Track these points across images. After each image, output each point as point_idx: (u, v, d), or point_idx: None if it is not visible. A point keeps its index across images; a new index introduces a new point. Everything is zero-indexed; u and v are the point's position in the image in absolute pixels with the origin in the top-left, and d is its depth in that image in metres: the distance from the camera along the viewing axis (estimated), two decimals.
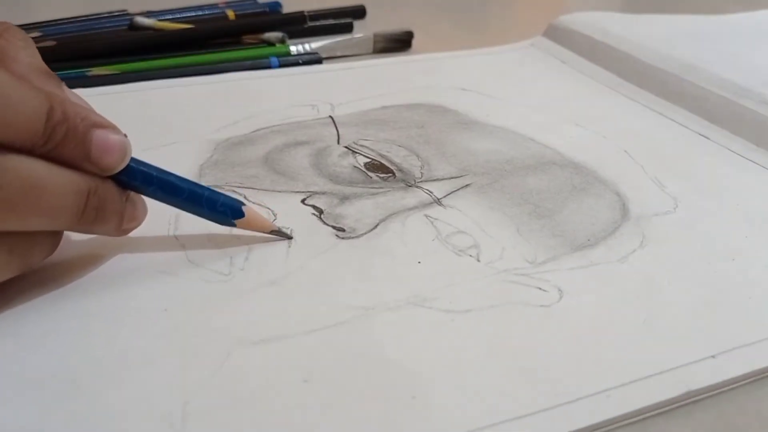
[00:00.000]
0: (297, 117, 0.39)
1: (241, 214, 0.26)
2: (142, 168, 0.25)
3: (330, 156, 0.35)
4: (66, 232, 0.25)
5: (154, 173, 0.25)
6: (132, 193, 0.25)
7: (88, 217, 0.23)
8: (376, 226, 0.29)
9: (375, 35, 0.52)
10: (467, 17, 0.65)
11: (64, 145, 0.22)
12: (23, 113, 0.21)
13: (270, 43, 0.51)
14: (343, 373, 0.22)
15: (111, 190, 0.24)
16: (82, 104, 0.24)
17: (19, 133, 0.21)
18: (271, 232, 0.27)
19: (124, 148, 0.24)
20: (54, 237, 0.24)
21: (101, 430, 0.19)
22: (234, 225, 0.27)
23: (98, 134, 0.23)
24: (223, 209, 0.26)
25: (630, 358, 0.23)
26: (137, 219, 0.26)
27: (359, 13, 0.59)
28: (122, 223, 0.25)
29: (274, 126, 0.38)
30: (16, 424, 0.19)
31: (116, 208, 0.24)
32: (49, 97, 0.21)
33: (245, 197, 0.31)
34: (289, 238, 0.28)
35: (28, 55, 0.24)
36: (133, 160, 0.24)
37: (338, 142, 0.36)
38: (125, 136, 0.24)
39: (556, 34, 0.53)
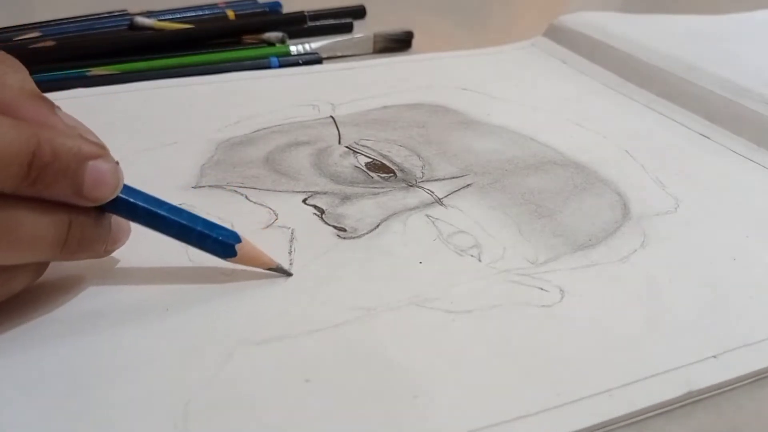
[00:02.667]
0: (298, 117, 0.39)
1: (233, 253, 0.25)
2: (128, 199, 0.23)
3: (331, 156, 0.35)
4: None
5: (141, 204, 0.23)
6: (114, 216, 0.24)
7: (71, 248, 0.22)
8: (377, 226, 0.29)
9: (375, 35, 0.52)
10: (467, 17, 0.65)
11: (53, 184, 0.21)
12: (5, 155, 0.19)
13: (270, 43, 0.51)
14: (345, 373, 0.22)
15: (91, 217, 0.23)
16: (76, 125, 0.23)
17: None
18: (270, 269, 0.26)
19: (117, 177, 0.22)
20: (38, 264, 0.23)
21: (103, 430, 0.19)
22: (227, 260, 0.25)
23: (91, 167, 0.21)
24: (213, 247, 0.24)
25: (631, 358, 0.23)
26: (120, 241, 0.24)
27: (359, 13, 0.59)
28: (107, 247, 0.24)
29: (274, 126, 0.38)
30: (18, 425, 0.19)
31: (99, 234, 0.23)
32: (35, 134, 0.20)
33: (247, 197, 0.31)
34: (289, 274, 0.26)
35: (18, 80, 0.22)
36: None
37: (339, 142, 0.36)
38: (117, 162, 0.22)
39: (557, 34, 0.53)
